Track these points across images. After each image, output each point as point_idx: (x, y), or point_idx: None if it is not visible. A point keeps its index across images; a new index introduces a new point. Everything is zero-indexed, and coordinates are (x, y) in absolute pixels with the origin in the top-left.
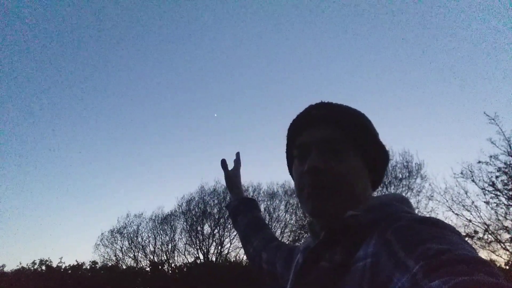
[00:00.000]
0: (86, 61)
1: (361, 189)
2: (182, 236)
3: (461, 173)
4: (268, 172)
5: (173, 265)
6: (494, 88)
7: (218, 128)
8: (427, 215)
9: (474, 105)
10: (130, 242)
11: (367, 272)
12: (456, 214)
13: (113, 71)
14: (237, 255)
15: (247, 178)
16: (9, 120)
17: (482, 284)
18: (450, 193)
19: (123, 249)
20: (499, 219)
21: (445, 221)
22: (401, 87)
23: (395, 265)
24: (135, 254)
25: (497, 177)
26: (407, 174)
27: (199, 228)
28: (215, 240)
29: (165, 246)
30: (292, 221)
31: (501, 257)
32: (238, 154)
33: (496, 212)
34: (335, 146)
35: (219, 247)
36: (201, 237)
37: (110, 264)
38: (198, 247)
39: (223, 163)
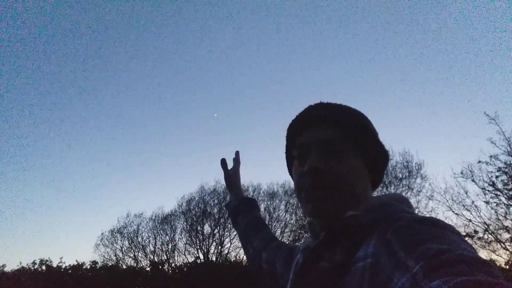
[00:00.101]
0: (87, 61)
1: (361, 189)
2: (182, 236)
3: (461, 173)
4: (268, 172)
5: (173, 265)
6: (494, 88)
7: (218, 128)
8: (427, 215)
9: (474, 105)
10: (130, 242)
11: (367, 272)
12: (456, 214)
13: (113, 71)
14: (237, 255)
15: (247, 178)
16: (9, 120)
17: (482, 284)
18: (450, 193)
19: (123, 249)
20: (499, 219)
21: (445, 221)
22: (401, 87)
23: (395, 265)
24: (135, 254)
25: (497, 177)
26: (407, 174)
27: (199, 228)
28: (215, 240)
29: (165, 246)
30: (292, 221)
31: (501, 256)
32: (237, 153)
33: (496, 211)
34: (335, 147)
35: (219, 247)
36: (201, 237)
37: (110, 264)
38: (198, 247)
39: (223, 163)
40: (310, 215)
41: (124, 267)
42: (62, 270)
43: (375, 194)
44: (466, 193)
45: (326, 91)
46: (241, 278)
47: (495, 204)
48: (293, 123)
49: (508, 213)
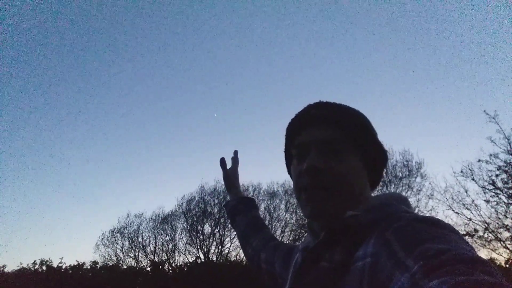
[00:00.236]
0: (87, 61)
1: (360, 189)
2: (183, 235)
3: (461, 171)
4: (268, 171)
5: (173, 265)
6: (494, 87)
7: (218, 128)
8: (427, 214)
9: (474, 103)
10: (130, 242)
11: (367, 272)
12: (456, 212)
13: (113, 71)
14: (237, 254)
15: (247, 178)
16: (10, 120)
17: (482, 283)
18: (450, 191)
19: (123, 249)
20: (499, 218)
21: (445, 221)
22: (401, 86)
23: (394, 264)
24: (136, 254)
25: (497, 175)
26: (407, 173)
27: (199, 227)
28: (215, 240)
29: (166, 246)
30: (292, 221)
31: (501, 255)
32: (236, 153)
33: (496, 210)
34: (335, 146)
35: (220, 247)
36: (201, 237)
37: (110, 264)
38: (198, 247)
39: (222, 162)
40: (310, 217)
41: (125, 267)
42: (62, 270)
43: (374, 193)
44: (466, 192)
45: (326, 90)
46: (241, 278)
47: (495, 202)
48: (292, 122)
49: (508, 211)
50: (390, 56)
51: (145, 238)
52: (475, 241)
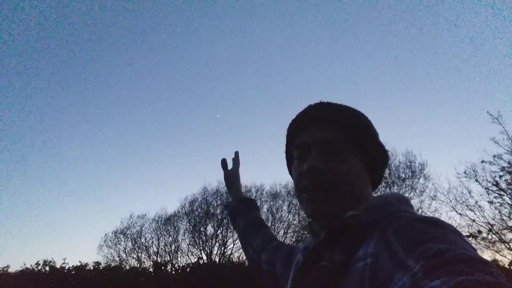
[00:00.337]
0: (89, 61)
1: (361, 189)
2: (185, 236)
3: (465, 172)
4: (271, 172)
5: (176, 265)
6: (497, 87)
7: (221, 129)
8: (429, 215)
9: (477, 104)
10: (133, 243)
11: (367, 272)
12: (459, 214)
13: (116, 71)
14: (240, 255)
15: (249, 179)
16: (12, 121)
17: (482, 283)
18: (453, 193)
19: (126, 250)
20: (503, 219)
21: (446, 221)
22: (404, 87)
23: (395, 264)
24: (139, 255)
25: (500, 176)
26: (410, 174)
27: (202, 228)
28: (218, 241)
29: (168, 246)
30: (295, 222)
31: (505, 257)
32: (237, 154)
33: (500, 212)
34: (335, 147)
35: (222, 248)
36: (204, 238)
37: (113, 265)
38: (201, 248)
39: (223, 163)
40: (311, 216)
41: (127, 268)
42: (65, 271)
43: (376, 194)
44: (470, 193)
45: (328, 91)
46: (244, 279)
47: (498, 204)
48: (293, 122)
49: None
50: (392, 56)
51: (148, 239)
52: (478, 242)
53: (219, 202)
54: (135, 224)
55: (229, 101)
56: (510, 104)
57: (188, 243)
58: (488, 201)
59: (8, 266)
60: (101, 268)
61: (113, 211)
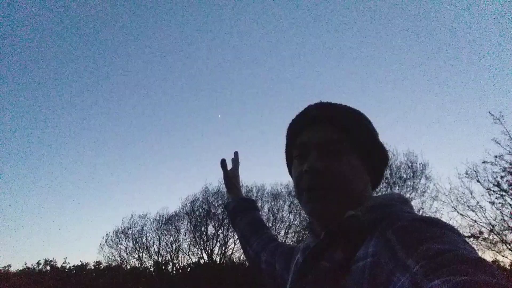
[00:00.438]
0: (91, 61)
1: (361, 189)
2: (186, 236)
3: (466, 173)
4: (272, 172)
5: (177, 265)
6: (499, 88)
7: (222, 129)
8: (430, 215)
9: (479, 105)
10: (134, 242)
11: (367, 272)
12: (461, 214)
13: (118, 73)
14: (241, 255)
15: (250, 179)
16: (13, 121)
17: (482, 284)
18: (455, 193)
19: (127, 250)
20: (504, 220)
21: (446, 221)
22: (406, 87)
23: (395, 265)
24: (140, 254)
25: (502, 177)
26: (412, 175)
27: (203, 228)
28: (219, 241)
29: (170, 246)
30: (296, 222)
31: (506, 257)
32: (236, 154)
33: (501, 212)
34: (335, 147)
35: (223, 248)
36: (205, 238)
37: (114, 265)
38: (202, 248)
39: (223, 163)
40: (310, 216)
41: (128, 267)
42: (66, 270)
43: (375, 194)
44: (471, 194)
45: (329, 91)
46: (244, 279)
47: (500, 204)
48: (293, 122)
49: None
50: (394, 58)
51: (149, 238)
52: (480, 243)
53: (220, 202)
54: (136, 224)
55: (230, 101)
56: (511, 104)
57: (189, 243)
58: (489, 202)
59: (9, 266)
60: (101, 267)
61: (115, 210)
